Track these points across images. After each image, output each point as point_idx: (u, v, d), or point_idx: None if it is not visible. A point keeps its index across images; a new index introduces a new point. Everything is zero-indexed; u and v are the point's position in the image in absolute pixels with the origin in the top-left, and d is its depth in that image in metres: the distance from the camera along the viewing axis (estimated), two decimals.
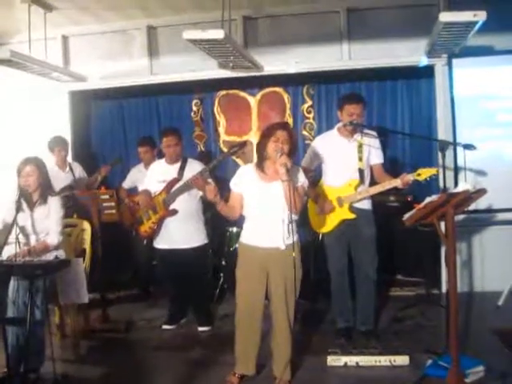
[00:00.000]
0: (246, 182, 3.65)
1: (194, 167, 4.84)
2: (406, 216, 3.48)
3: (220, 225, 5.82)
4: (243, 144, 5.33)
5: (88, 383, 3.98)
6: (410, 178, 4.22)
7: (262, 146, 3.60)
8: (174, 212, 4.83)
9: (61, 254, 4.20)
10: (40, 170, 4.10)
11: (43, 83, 6.03)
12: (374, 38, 5.64)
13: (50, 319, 4.20)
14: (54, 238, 4.07)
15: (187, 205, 4.86)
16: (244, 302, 3.68)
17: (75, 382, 3.96)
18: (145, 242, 5.28)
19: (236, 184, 3.69)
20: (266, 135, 3.60)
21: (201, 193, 4.77)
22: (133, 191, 5.94)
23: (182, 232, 4.84)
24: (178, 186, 4.84)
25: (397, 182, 4.28)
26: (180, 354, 4.43)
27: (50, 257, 4.01)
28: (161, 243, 4.97)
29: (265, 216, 3.58)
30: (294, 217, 3.54)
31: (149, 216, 4.94)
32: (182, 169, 4.89)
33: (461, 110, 5.52)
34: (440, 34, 4.58)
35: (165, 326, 5.02)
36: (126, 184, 6.09)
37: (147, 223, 4.97)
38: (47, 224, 4.11)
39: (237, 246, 5.50)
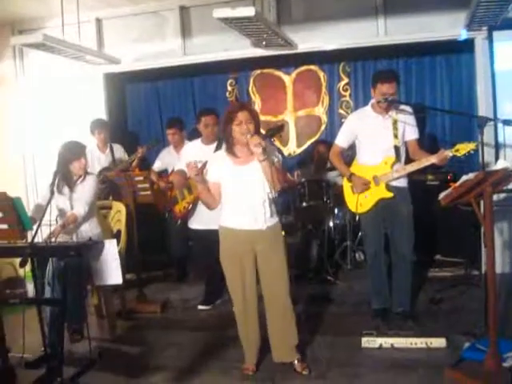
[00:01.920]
0: (220, 169, 3.54)
1: None
2: (442, 195, 3.38)
3: None
4: (281, 127, 5.26)
5: (124, 362, 4.05)
6: (448, 153, 4.09)
7: (227, 133, 3.50)
8: None
9: (98, 233, 4.31)
10: (86, 156, 4.31)
11: (78, 67, 6.09)
12: (410, 12, 5.43)
13: (87, 300, 4.31)
14: (80, 209, 4.17)
15: None
16: (237, 289, 3.61)
17: (111, 361, 4.03)
18: (179, 222, 5.26)
19: (211, 174, 3.58)
20: (227, 121, 3.48)
21: None
22: (163, 173, 5.96)
23: (216, 213, 4.82)
24: None
25: (434, 159, 4.16)
26: (216, 333, 4.47)
27: (85, 237, 4.08)
28: (195, 224, 4.98)
29: (245, 199, 3.49)
30: (274, 196, 3.51)
31: (184, 196, 4.96)
32: (218, 149, 4.86)
33: (502, 84, 5.29)
34: (479, 6, 4.39)
35: (200, 307, 5.06)
36: (156, 166, 6.05)
37: (182, 203, 4.99)
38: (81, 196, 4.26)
39: None
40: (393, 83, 4.25)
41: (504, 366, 3.27)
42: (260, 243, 3.53)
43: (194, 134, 5.80)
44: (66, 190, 4.25)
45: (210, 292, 5.14)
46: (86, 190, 4.27)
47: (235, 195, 3.53)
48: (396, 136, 4.34)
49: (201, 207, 4.87)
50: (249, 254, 3.56)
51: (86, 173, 4.34)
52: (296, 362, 3.64)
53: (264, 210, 3.47)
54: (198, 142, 5.00)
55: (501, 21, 4.90)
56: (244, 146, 3.48)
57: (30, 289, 5.28)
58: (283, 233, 3.61)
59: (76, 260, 3.74)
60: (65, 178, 4.21)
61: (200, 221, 4.90)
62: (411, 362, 3.65)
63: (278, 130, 4.90)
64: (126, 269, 4.93)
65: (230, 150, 3.54)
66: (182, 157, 5.09)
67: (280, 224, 3.61)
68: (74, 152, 4.23)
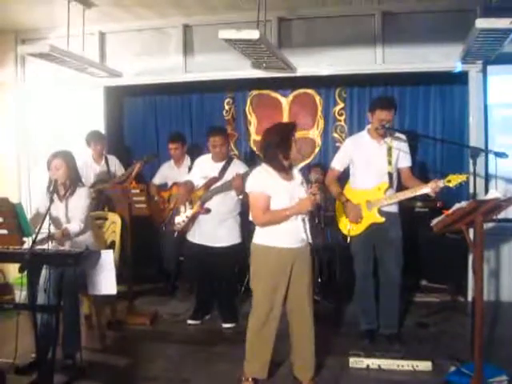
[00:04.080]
0: (271, 183, 3.56)
1: (236, 169, 4.85)
2: (434, 222, 3.47)
3: (245, 224, 5.86)
4: None
5: (113, 372, 4.08)
6: (440, 184, 4.18)
7: (285, 147, 3.55)
8: (207, 211, 4.87)
9: (91, 243, 4.29)
10: (68, 163, 4.20)
11: (79, 78, 6.15)
12: (408, 43, 5.60)
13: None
14: (75, 226, 4.14)
15: (223, 205, 4.90)
16: (264, 306, 3.62)
17: (100, 371, 4.07)
18: (176, 234, 5.27)
19: (264, 186, 3.56)
20: (287, 135, 3.57)
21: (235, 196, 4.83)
22: (163, 187, 6.03)
23: (215, 231, 4.89)
24: (216, 185, 4.88)
25: (427, 189, 4.25)
26: (205, 347, 4.52)
27: (81, 246, 4.09)
28: (194, 238, 5.01)
29: (294, 216, 3.57)
30: None
31: (185, 209, 4.99)
32: (224, 169, 4.92)
33: (494, 117, 5.48)
34: (476, 41, 4.54)
35: (189, 321, 5.09)
36: (157, 180, 6.16)
37: (182, 216, 5.01)
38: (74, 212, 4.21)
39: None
40: (391, 110, 4.38)
41: None
42: (298, 260, 3.61)
43: (192, 150, 5.89)
44: (56, 199, 4.23)
45: (199, 307, 5.17)
46: (79, 205, 4.21)
47: None
48: (390, 163, 4.45)
49: (200, 223, 4.93)
50: (287, 272, 3.60)
51: (78, 185, 4.29)
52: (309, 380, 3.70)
53: (306, 227, 3.61)
54: (209, 157, 5.04)
55: (496, 55, 5.06)
56: (287, 162, 3.60)
57: (18, 295, 5.28)
58: None
59: (73, 268, 3.79)
60: (54, 187, 4.15)
61: (199, 236, 4.95)
62: (397, 383, 3.73)
63: None
64: (118, 280, 4.95)
65: (280, 166, 3.59)
66: (193, 168, 5.15)
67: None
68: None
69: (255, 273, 3.67)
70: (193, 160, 5.90)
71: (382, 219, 4.41)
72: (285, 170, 3.60)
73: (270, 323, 3.64)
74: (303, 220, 3.60)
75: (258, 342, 3.68)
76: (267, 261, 3.60)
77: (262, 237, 3.63)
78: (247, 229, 5.50)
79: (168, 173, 6.04)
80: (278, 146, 3.58)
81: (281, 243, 3.58)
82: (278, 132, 3.64)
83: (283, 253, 3.57)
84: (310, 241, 3.67)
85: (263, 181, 3.58)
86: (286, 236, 3.58)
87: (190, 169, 5.85)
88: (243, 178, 4.50)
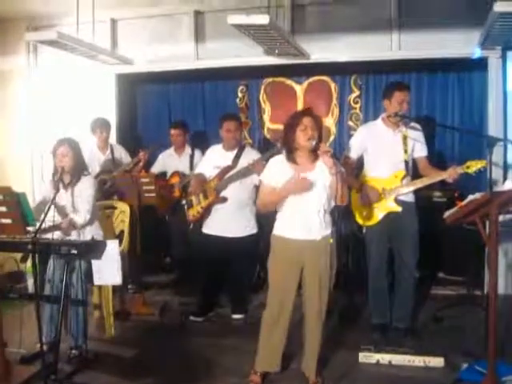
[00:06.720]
0: (279, 174, 3.45)
1: (250, 156, 4.78)
2: (447, 213, 3.35)
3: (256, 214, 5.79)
4: None
5: (119, 363, 4.04)
6: (458, 170, 4.09)
7: (289, 137, 3.44)
8: (224, 199, 4.77)
9: (98, 233, 4.24)
10: (74, 151, 4.12)
11: (91, 65, 6.12)
12: (425, 28, 5.42)
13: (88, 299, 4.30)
14: (80, 217, 4.06)
15: (239, 193, 4.80)
16: (276, 296, 3.55)
17: (107, 361, 4.03)
18: (191, 226, 5.15)
19: (271, 177, 3.50)
20: (291, 125, 3.45)
21: (256, 182, 4.70)
22: (163, 176, 5.95)
23: (231, 221, 4.80)
24: (231, 173, 4.79)
25: (445, 175, 4.16)
26: (213, 339, 4.45)
27: (87, 237, 4.05)
28: (210, 229, 4.91)
29: (302, 208, 3.44)
30: (332, 207, 3.49)
31: (199, 201, 4.90)
32: (237, 156, 4.83)
33: None
34: (494, 25, 4.39)
35: (192, 318, 4.95)
36: (156, 168, 6.04)
37: (196, 207, 4.91)
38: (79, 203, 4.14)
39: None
40: (409, 92, 4.32)
41: None
42: (310, 254, 3.47)
43: (197, 138, 5.81)
44: (61, 187, 4.13)
45: (204, 303, 5.04)
46: (83, 195, 4.12)
47: (291, 203, 3.46)
48: (406, 151, 4.35)
49: (217, 214, 4.84)
50: (297, 264, 3.51)
51: (83, 174, 4.19)
52: (313, 376, 3.59)
53: (319, 220, 3.42)
54: (219, 147, 4.96)
55: None
56: (305, 153, 3.46)
57: (31, 283, 5.27)
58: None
59: (79, 259, 3.75)
60: (59, 175, 4.08)
61: (215, 227, 4.85)
62: (408, 379, 3.63)
63: None
64: (127, 270, 4.91)
65: (291, 157, 3.48)
66: (204, 159, 5.08)
67: (333, 235, 3.57)
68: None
69: (269, 263, 3.61)
70: (194, 149, 5.87)
71: (399, 208, 4.32)
72: (294, 161, 3.48)
73: (284, 315, 3.55)
74: (318, 212, 3.44)
75: (271, 335, 3.60)
76: (276, 251, 3.56)
77: (275, 227, 3.59)
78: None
79: (168, 161, 5.96)
80: (284, 136, 3.52)
81: (288, 234, 3.50)
82: (285, 121, 3.58)
83: (292, 244, 3.48)
84: (326, 233, 3.49)
85: (273, 172, 3.52)
86: (295, 227, 3.48)
87: (191, 157, 5.83)
88: (264, 161, 4.37)
